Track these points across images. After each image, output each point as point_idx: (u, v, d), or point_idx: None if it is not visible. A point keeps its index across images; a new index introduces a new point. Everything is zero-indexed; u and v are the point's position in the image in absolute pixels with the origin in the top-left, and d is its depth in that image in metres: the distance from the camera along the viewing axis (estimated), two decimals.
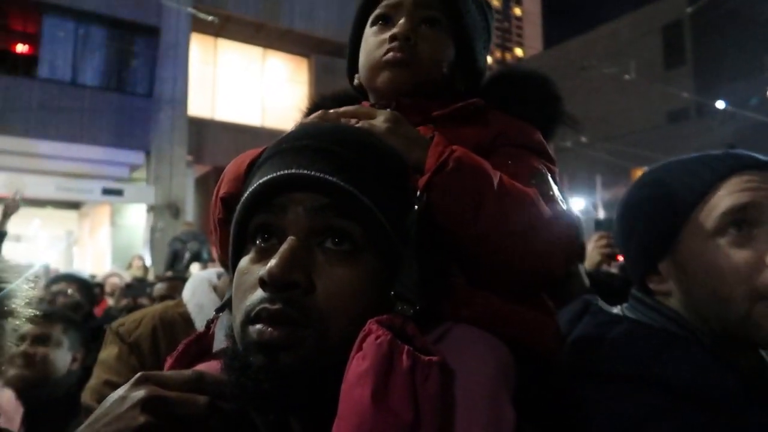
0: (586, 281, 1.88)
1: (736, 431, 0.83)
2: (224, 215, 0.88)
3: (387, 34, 1.00)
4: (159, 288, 3.22)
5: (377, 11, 1.06)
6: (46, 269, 9.25)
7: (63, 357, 2.34)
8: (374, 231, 0.69)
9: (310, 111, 1.12)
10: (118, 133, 13.14)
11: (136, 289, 3.78)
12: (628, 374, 0.90)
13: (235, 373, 0.66)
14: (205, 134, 14.86)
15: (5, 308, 0.56)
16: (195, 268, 6.31)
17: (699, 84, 24.44)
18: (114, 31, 13.50)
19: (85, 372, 2.31)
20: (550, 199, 0.87)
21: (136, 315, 1.73)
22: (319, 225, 0.68)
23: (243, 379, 0.64)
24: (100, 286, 5.29)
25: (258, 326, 0.64)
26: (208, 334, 0.83)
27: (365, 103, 1.04)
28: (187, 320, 1.65)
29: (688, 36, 25.59)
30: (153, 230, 13.31)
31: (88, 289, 3.86)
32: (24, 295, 0.72)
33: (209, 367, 0.75)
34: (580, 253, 1.97)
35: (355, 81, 1.09)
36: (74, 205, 15.05)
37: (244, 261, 0.71)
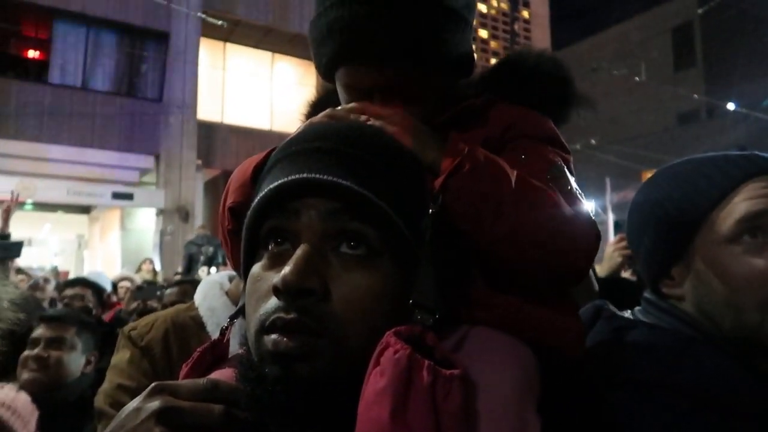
0: (595, 285, 1.85)
1: None
2: (233, 225, 0.86)
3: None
4: (169, 293, 3.22)
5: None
6: (55, 271, 9.33)
7: (77, 360, 2.34)
8: (390, 234, 0.66)
9: (316, 104, 1.09)
10: (128, 138, 13.25)
11: (146, 292, 3.79)
12: (648, 380, 0.88)
13: (250, 384, 0.64)
14: (215, 138, 14.94)
15: None
16: (204, 272, 6.33)
17: (709, 85, 24.30)
18: (124, 37, 13.62)
19: (99, 374, 2.31)
20: (569, 194, 0.84)
21: (148, 319, 1.72)
22: (333, 229, 0.66)
23: (259, 390, 0.63)
24: (114, 287, 5.31)
25: (273, 336, 0.62)
26: (223, 341, 0.82)
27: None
28: (198, 324, 1.64)
29: (698, 37, 25.46)
30: (162, 234, 13.39)
31: (101, 294, 3.88)
32: (7, 297, 0.71)
33: (224, 374, 0.73)
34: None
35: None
36: (85, 209, 15.17)
37: (257, 267, 0.69)
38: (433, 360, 0.58)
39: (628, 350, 0.94)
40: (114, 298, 4.97)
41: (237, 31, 15.18)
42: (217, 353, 0.80)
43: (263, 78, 16.21)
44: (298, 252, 0.64)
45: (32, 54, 13.01)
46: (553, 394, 0.69)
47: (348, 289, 0.64)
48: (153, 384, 0.66)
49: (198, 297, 1.74)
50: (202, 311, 1.67)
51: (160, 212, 13.66)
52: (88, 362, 2.40)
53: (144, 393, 0.65)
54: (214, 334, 1.65)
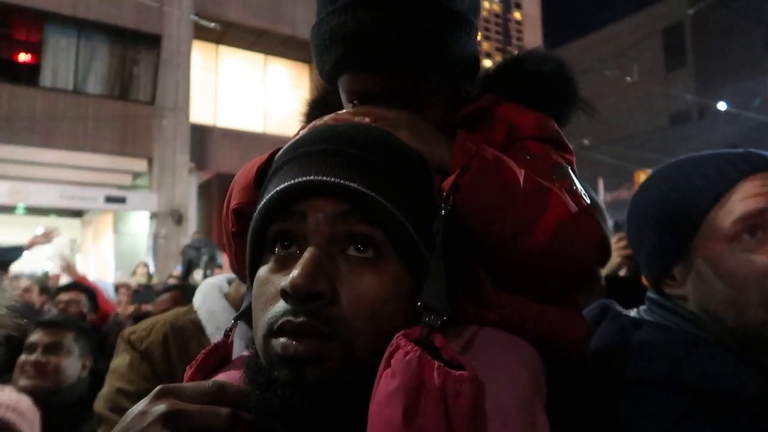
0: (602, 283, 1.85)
1: (760, 430, 0.82)
2: (237, 228, 0.85)
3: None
4: (160, 300, 3.22)
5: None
6: (45, 277, 9.28)
7: (74, 364, 2.34)
8: (398, 237, 0.66)
9: (315, 103, 1.08)
10: (121, 141, 13.19)
11: (143, 295, 3.78)
12: (655, 379, 0.88)
13: (259, 387, 0.64)
14: (208, 141, 14.89)
15: None
16: (199, 275, 6.30)
17: (700, 86, 24.44)
18: (116, 39, 13.56)
19: (94, 378, 2.32)
20: (574, 194, 0.84)
21: (147, 323, 1.72)
22: (340, 232, 0.65)
23: (269, 394, 0.62)
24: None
25: (282, 340, 0.62)
26: (227, 343, 0.81)
27: None
28: (198, 327, 1.64)
29: (689, 38, 25.60)
30: (156, 237, 13.33)
31: (95, 298, 3.87)
32: (6, 303, 0.70)
33: (229, 376, 0.73)
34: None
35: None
36: (77, 213, 15.10)
37: (264, 270, 0.68)
38: (442, 361, 0.58)
39: (634, 349, 0.94)
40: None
41: (230, 34, 15.15)
42: (221, 355, 0.80)
43: (256, 80, 16.18)
44: (306, 255, 0.63)
45: (23, 57, 12.93)
46: (559, 394, 0.69)
47: (356, 292, 0.64)
48: (158, 387, 0.65)
49: (197, 300, 1.73)
50: (201, 314, 1.67)
51: (154, 216, 13.61)
52: (84, 366, 2.40)
53: (149, 396, 0.65)
54: (214, 337, 1.66)
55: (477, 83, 1.01)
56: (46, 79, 12.76)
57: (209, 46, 15.44)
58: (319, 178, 0.65)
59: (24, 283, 5.02)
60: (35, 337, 2.30)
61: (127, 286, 5.41)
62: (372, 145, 0.70)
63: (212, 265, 6.32)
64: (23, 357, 2.25)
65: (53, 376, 2.23)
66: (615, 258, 2.37)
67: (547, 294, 0.80)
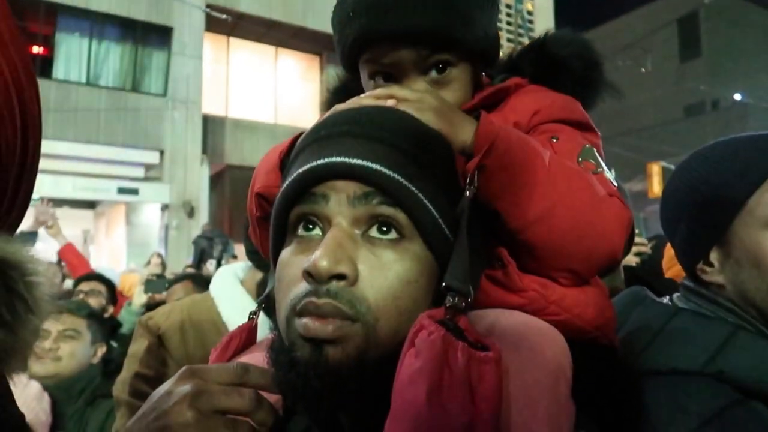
0: (621, 275, 1.85)
1: None
2: (262, 212, 0.85)
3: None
4: (172, 291, 3.26)
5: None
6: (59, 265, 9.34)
7: (86, 351, 2.37)
8: (421, 218, 0.65)
9: (336, 90, 1.08)
10: (133, 133, 13.27)
11: (155, 285, 3.80)
12: (693, 369, 0.86)
13: (282, 369, 0.64)
14: (219, 132, 14.94)
15: (32, 303, 0.56)
16: (212, 265, 6.33)
17: (715, 76, 24.14)
18: (128, 32, 13.63)
19: (106, 365, 2.35)
20: (600, 176, 0.83)
21: (165, 308, 1.74)
22: (363, 214, 0.65)
23: (291, 375, 0.62)
24: None
25: (304, 320, 0.62)
26: (251, 326, 0.82)
27: None
28: (214, 313, 1.66)
29: (704, 28, 25.28)
30: (168, 228, 13.42)
31: (114, 291, 3.92)
32: (49, 291, 0.72)
33: (253, 358, 0.73)
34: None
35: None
36: (90, 205, 15.22)
37: (286, 252, 0.68)
38: (467, 342, 0.58)
39: (671, 338, 0.93)
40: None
41: (241, 26, 15.15)
42: (246, 338, 0.81)
43: (267, 72, 16.19)
44: (329, 236, 0.63)
45: (36, 50, 13.02)
46: (585, 379, 0.68)
47: (379, 273, 0.63)
48: (184, 368, 0.66)
49: (214, 287, 1.75)
50: (218, 301, 1.69)
51: (165, 207, 13.70)
52: (96, 353, 2.43)
53: (175, 377, 0.65)
54: (229, 323, 1.68)
55: (500, 68, 1.01)
56: (59, 71, 12.86)
57: (220, 38, 15.46)
58: (341, 159, 0.65)
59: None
60: (48, 323, 2.32)
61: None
62: (394, 127, 0.70)
63: (227, 255, 6.33)
64: (37, 343, 2.27)
65: (66, 363, 2.25)
66: (630, 258, 2.33)
67: (571, 277, 0.79)
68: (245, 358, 0.75)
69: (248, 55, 15.97)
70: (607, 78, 1.00)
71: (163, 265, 7.09)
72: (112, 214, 15.29)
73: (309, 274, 0.62)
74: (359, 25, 0.87)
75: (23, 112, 0.57)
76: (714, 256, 0.96)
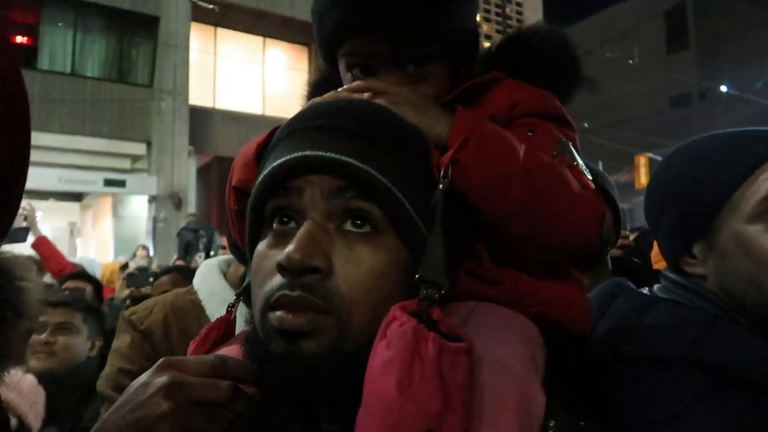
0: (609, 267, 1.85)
1: None
2: (239, 205, 0.85)
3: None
4: (160, 283, 3.24)
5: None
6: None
7: (82, 344, 2.36)
8: (395, 212, 0.66)
9: (316, 84, 1.08)
10: (119, 125, 13.16)
11: (138, 279, 3.78)
12: (673, 357, 0.88)
13: (257, 360, 0.65)
14: (207, 124, 14.85)
15: (20, 308, 0.56)
16: (201, 258, 6.31)
17: (702, 68, 24.31)
18: (114, 22, 13.47)
19: (102, 359, 2.34)
20: (575, 170, 0.84)
21: (148, 303, 1.73)
22: (337, 207, 0.65)
23: (265, 367, 0.63)
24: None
25: (278, 313, 0.62)
26: (230, 319, 0.82)
27: None
28: (198, 307, 1.65)
29: (691, 19, 25.42)
30: (155, 221, 13.35)
31: (100, 290, 3.90)
32: (37, 293, 0.72)
33: (231, 351, 0.74)
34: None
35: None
36: (76, 197, 15.09)
37: (262, 246, 0.69)
38: (440, 334, 0.58)
39: (651, 326, 0.94)
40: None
41: (228, 16, 15.03)
42: (224, 330, 0.81)
43: (255, 63, 16.08)
44: (302, 230, 0.64)
45: (20, 39, 12.84)
46: (559, 370, 0.69)
47: (353, 266, 0.64)
48: (161, 360, 0.66)
49: (197, 281, 1.74)
50: (202, 295, 1.68)
51: (153, 199, 13.61)
52: (92, 346, 2.42)
53: (152, 368, 0.65)
54: (213, 317, 1.67)
55: (480, 61, 1.01)
56: (43, 61, 12.70)
57: (207, 29, 15.33)
58: (316, 153, 0.65)
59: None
60: (44, 316, 2.31)
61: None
62: (369, 120, 0.70)
63: (215, 246, 6.31)
64: (33, 336, 2.26)
65: (62, 356, 2.24)
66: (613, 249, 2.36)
67: (546, 269, 0.80)
68: (224, 351, 0.75)
69: (236, 46, 15.85)
70: (584, 71, 1.00)
71: (150, 258, 7.05)
72: (98, 206, 15.18)
73: (282, 268, 0.62)
74: (338, 16, 0.87)
75: (12, 124, 0.56)
76: (697, 249, 0.98)
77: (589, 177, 0.86)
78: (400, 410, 0.54)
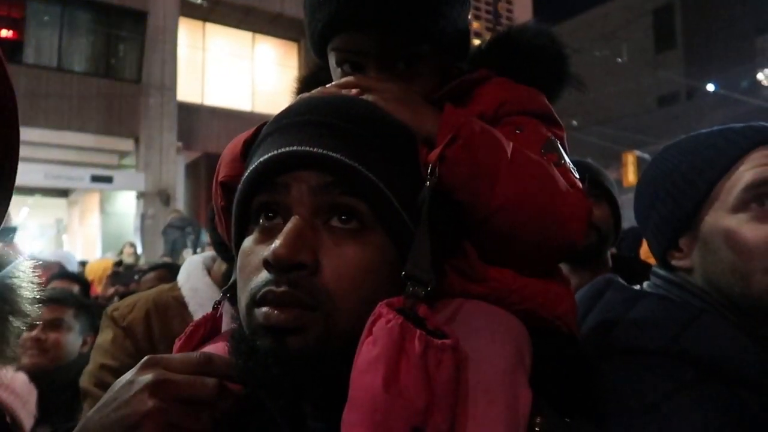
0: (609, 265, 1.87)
1: (760, 402, 0.83)
2: (226, 202, 0.84)
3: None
4: (146, 279, 3.22)
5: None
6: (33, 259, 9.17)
7: (74, 341, 2.34)
8: (382, 208, 0.66)
9: (305, 80, 1.08)
10: (107, 120, 13.04)
11: (123, 277, 3.76)
12: (653, 349, 0.89)
13: (242, 357, 0.64)
14: (195, 120, 14.76)
15: (11, 306, 0.55)
16: (189, 254, 6.29)
17: (689, 67, 24.50)
18: (101, 16, 13.34)
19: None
20: (562, 168, 0.85)
21: (131, 299, 1.72)
22: (324, 203, 0.65)
23: (251, 363, 0.62)
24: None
25: (264, 309, 0.62)
26: (216, 316, 0.82)
27: None
28: (181, 304, 1.64)
29: (679, 19, 25.60)
30: (143, 217, 13.26)
31: (88, 290, 3.87)
32: (30, 292, 0.71)
33: (217, 348, 0.73)
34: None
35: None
36: (63, 193, 14.96)
37: (248, 242, 0.68)
38: (426, 331, 0.58)
39: (636, 320, 0.96)
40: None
41: (217, 11, 14.94)
42: (210, 328, 0.80)
43: (244, 59, 16.00)
44: (289, 225, 0.63)
45: (5, 33, 12.68)
46: (545, 367, 0.69)
47: (339, 262, 0.63)
48: (146, 357, 0.65)
49: (181, 277, 1.74)
50: (185, 291, 1.67)
51: (141, 195, 13.52)
52: (84, 343, 2.39)
53: (137, 366, 0.65)
54: (197, 314, 1.66)
55: (469, 60, 1.01)
56: (29, 55, 12.55)
57: (196, 24, 15.23)
58: (303, 148, 0.65)
59: None
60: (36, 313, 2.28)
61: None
62: (357, 116, 0.70)
63: (203, 243, 6.27)
64: (24, 334, 2.23)
65: (53, 353, 2.22)
66: None
67: (532, 267, 0.81)
68: (210, 348, 0.75)
69: (225, 42, 15.76)
70: (572, 70, 1.01)
71: (137, 255, 7.00)
72: (85, 202, 15.04)
73: (268, 264, 0.62)
74: (329, 11, 0.87)
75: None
76: (683, 242, 1.00)
77: (576, 176, 0.87)
78: (387, 407, 0.54)
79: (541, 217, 0.77)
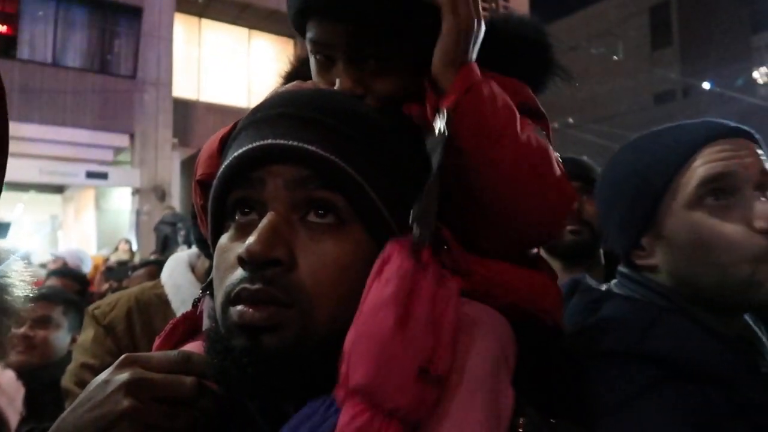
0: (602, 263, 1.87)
1: (726, 400, 0.84)
2: (205, 200, 0.83)
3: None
4: (135, 276, 3.22)
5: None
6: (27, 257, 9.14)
7: (63, 338, 2.33)
8: (360, 202, 0.64)
9: (289, 76, 1.05)
10: (102, 116, 12.97)
11: (118, 273, 3.75)
12: (620, 350, 0.90)
13: (218, 356, 0.62)
14: (191, 116, 14.70)
15: (2, 305, 0.54)
16: (182, 250, 6.26)
17: (685, 65, 24.49)
18: (96, 11, 13.26)
19: None
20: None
21: (112, 297, 1.72)
22: (300, 198, 0.64)
23: (226, 363, 0.61)
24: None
25: (239, 307, 0.60)
26: (195, 314, 0.80)
27: None
28: (164, 301, 1.64)
29: (675, 16, 25.57)
30: (139, 213, 13.21)
31: (85, 287, 3.86)
32: (21, 290, 0.70)
33: (197, 347, 0.72)
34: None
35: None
36: (58, 189, 14.90)
37: (224, 238, 0.67)
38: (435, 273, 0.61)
39: (601, 322, 0.97)
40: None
41: (212, 7, 14.87)
42: (190, 326, 0.79)
43: (240, 55, 15.94)
44: (264, 221, 0.62)
45: (0, 28, 12.61)
46: (530, 364, 0.68)
47: (316, 258, 0.62)
48: (123, 356, 0.65)
49: (164, 275, 1.73)
50: (168, 289, 1.66)
51: (136, 192, 13.47)
52: (73, 340, 2.37)
53: (114, 365, 0.64)
54: (179, 312, 1.64)
55: None
56: (23, 51, 12.47)
57: (192, 20, 15.15)
58: (277, 141, 0.64)
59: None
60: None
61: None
62: (333, 109, 0.68)
63: (193, 240, 6.22)
64: (12, 331, 2.22)
65: (41, 350, 2.22)
66: None
67: (517, 259, 0.80)
68: (189, 347, 0.74)
69: (221, 38, 15.69)
70: (558, 60, 0.99)
71: (132, 251, 6.97)
72: (80, 198, 14.99)
73: (243, 261, 0.61)
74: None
75: None
76: (645, 241, 1.01)
77: (563, 170, 0.85)
78: (397, 346, 0.55)
79: (534, 185, 0.76)
